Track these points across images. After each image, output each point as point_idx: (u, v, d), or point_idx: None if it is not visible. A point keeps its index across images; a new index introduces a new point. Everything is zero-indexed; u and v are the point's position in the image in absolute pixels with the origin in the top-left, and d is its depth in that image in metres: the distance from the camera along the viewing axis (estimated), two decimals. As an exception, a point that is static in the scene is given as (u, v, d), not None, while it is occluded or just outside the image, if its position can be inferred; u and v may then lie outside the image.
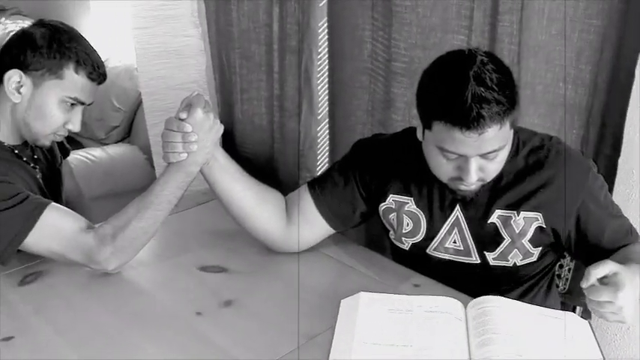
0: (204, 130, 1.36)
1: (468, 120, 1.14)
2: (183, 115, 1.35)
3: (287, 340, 1.20)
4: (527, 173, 1.33)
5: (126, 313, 1.31)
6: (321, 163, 2.11)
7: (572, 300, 1.63)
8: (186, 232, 1.67)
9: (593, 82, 1.53)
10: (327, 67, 1.99)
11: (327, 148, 2.10)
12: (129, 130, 3.31)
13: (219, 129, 1.41)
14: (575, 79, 1.55)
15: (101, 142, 3.33)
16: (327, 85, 2.01)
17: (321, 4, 1.90)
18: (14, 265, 1.44)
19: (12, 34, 1.48)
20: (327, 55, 1.98)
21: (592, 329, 1.19)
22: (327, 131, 2.07)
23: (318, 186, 1.49)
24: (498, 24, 1.59)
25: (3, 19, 4.16)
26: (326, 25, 1.93)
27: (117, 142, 3.32)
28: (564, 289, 1.63)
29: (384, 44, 1.84)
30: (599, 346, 1.14)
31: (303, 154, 2.10)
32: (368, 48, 1.91)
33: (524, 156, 1.34)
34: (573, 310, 1.61)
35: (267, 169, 2.31)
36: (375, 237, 1.91)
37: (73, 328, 1.25)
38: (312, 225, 1.49)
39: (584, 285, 1.10)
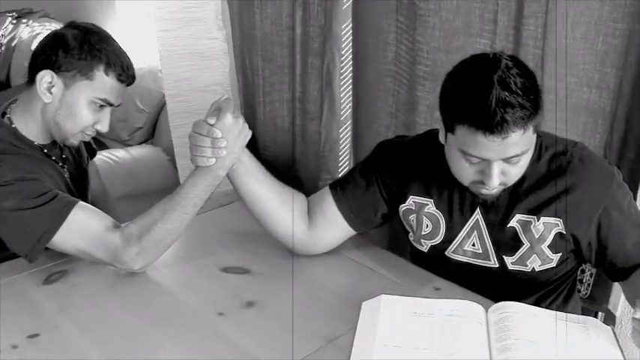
0: (233, 135, 1.37)
1: (492, 124, 1.14)
2: (212, 120, 1.35)
3: (308, 341, 1.21)
4: (549, 178, 1.32)
5: (149, 313, 1.32)
6: (343, 166, 2.10)
7: (594, 305, 1.61)
8: (209, 234, 1.68)
9: (618, 86, 1.52)
10: (350, 69, 1.99)
11: (349, 150, 2.10)
12: (152, 132, 3.33)
13: (248, 134, 1.41)
14: (600, 83, 1.54)
15: (124, 143, 3.35)
16: (350, 88, 2.01)
17: (344, 7, 1.90)
18: (41, 262, 1.45)
19: (43, 36, 1.50)
20: (350, 58, 1.98)
21: (615, 336, 1.17)
22: (350, 133, 2.07)
23: (340, 187, 1.49)
24: (523, 27, 1.58)
25: (30, 21, 4.21)
26: (350, 27, 1.93)
27: (140, 143, 3.33)
28: (586, 294, 1.61)
29: (408, 47, 1.84)
30: (623, 354, 1.13)
31: (324, 156, 2.10)
32: (392, 51, 1.91)
33: (547, 161, 1.33)
34: (595, 316, 1.59)
35: (289, 170, 2.32)
36: (397, 240, 1.91)
37: (97, 327, 1.27)
38: (333, 226, 1.49)
39: (637, 316, 1.09)
